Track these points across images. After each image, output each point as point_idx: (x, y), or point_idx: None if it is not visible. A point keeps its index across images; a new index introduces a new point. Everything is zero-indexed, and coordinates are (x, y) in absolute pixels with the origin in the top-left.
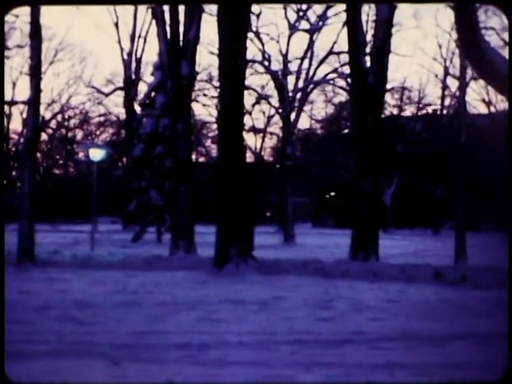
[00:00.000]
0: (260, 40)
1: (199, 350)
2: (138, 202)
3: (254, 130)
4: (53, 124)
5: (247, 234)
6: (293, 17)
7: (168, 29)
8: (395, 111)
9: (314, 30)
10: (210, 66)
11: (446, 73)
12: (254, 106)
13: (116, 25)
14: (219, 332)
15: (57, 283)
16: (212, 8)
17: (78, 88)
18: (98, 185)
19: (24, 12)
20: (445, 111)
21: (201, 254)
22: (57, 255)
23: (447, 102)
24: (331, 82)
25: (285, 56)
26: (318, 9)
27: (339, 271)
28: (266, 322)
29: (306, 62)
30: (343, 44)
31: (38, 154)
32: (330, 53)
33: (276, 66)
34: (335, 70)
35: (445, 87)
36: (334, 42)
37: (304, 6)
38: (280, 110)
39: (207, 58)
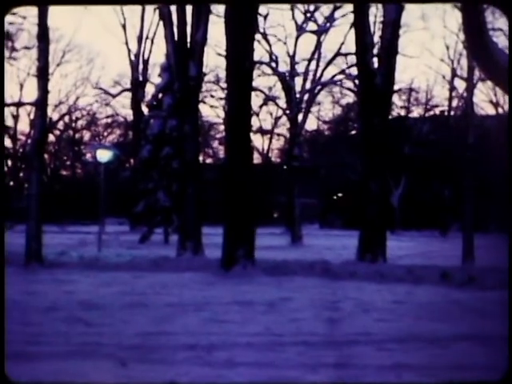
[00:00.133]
0: (267, 41)
1: (207, 351)
2: (145, 203)
3: (262, 131)
4: (60, 125)
5: (253, 236)
6: (300, 18)
7: (175, 30)
8: (403, 112)
9: (321, 32)
10: (218, 67)
11: (454, 74)
12: (261, 107)
13: (123, 26)
14: (226, 333)
15: (64, 284)
16: (219, 9)
17: (85, 89)
18: (106, 186)
19: (31, 13)
20: (452, 112)
21: (208, 256)
22: (64, 256)
23: (455, 103)
24: (338, 83)
25: (292, 57)
26: (326, 10)
27: (346, 272)
28: (273, 323)
29: (313, 64)
30: (351, 45)
31: (46, 156)
32: (338, 54)
33: (283, 67)
34: (343, 72)
35: (452, 88)
36: (342, 44)
37: (311, 8)
38: (287, 112)
39: (214, 59)
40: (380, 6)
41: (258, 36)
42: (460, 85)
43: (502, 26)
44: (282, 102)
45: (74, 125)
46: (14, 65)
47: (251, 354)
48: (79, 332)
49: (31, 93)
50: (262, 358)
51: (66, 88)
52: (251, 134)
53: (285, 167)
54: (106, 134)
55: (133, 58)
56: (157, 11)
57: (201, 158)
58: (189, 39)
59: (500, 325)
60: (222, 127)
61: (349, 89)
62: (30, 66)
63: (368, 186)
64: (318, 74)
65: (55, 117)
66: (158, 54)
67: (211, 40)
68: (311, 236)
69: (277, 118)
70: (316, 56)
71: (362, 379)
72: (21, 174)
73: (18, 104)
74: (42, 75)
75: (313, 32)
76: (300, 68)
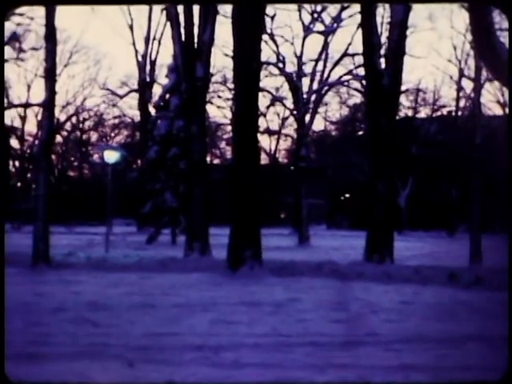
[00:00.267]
0: (274, 42)
1: (214, 351)
2: (152, 203)
3: (269, 131)
4: (68, 126)
5: (260, 236)
6: (307, 19)
7: (182, 31)
8: (410, 113)
9: (328, 32)
10: (225, 67)
11: (461, 74)
12: (268, 107)
13: (131, 27)
14: (234, 334)
15: (71, 285)
16: (227, 10)
17: (92, 90)
18: (113, 187)
19: (39, 14)
20: (460, 113)
21: (215, 256)
22: (71, 257)
23: (462, 103)
24: (346, 83)
25: (299, 58)
26: (333, 11)
27: (354, 273)
28: (280, 324)
29: (320, 64)
30: (358, 46)
31: (53, 156)
32: (345, 55)
33: (290, 67)
34: (350, 72)
35: (460, 89)
36: (349, 44)
37: (318, 8)
38: (294, 112)
39: (222, 59)
40: (387, 6)
41: (265, 37)
42: (467, 85)
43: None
44: (289, 103)
45: (81, 126)
46: (22, 66)
47: (258, 354)
48: (87, 333)
49: (39, 94)
50: (270, 358)
51: (74, 89)
52: (258, 135)
53: (292, 168)
54: (113, 134)
55: (140, 58)
56: (164, 12)
57: (208, 159)
58: (196, 40)
59: (508, 325)
60: (229, 128)
61: (356, 89)
62: (37, 67)
63: (375, 186)
64: (326, 75)
65: (63, 118)
66: (165, 54)
67: (218, 41)
68: (318, 236)
69: (284, 119)
70: (323, 56)
71: (369, 380)
72: (28, 175)
73: (26, 105)
74: (50, 76)
75: (320, 32)
76: (307, 68)
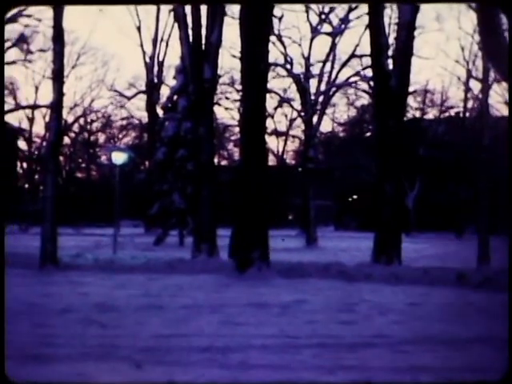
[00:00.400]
0: (282, 43)
1: (222, 352)
2: (160, 205)
3: (277, 133)
4: (75, 127)
5: (266, 238)
6: (315, 20)
7: (190, 32)
8: (418, 114)
9: (336, 33)
10: (232, 69)
11: (469, 75)
12: (276, 109)
13: (138, 28)
14: (242, 335)
15: (79, 286)
16: (234, 11)
17: (100, 91)
18: (121, 188)
19: (47, 16)
20: (467, 114)
21: (223, 258)
22: (79, 258)
23: (470, 104)
24: (353, 84)
25: (307, 59)
26: (340, 12)
27: (362, 274)
28: (288, 326)
29: (328, 65)
30: (365, 47)
31: (61, 158)
32: (353, 56)
33: (298, 69)
34: (357, 73)
35: (467, 90)
36: (357, 45)
37: (326, 9)
38: (302, 113)
39: (229, 61)
40: (395, 7)
41: (272, 38)
42: (475, 86)
43: None
44: (297, 104)
45: (89, 127)
46: (30, 67)
47: (266, 356)
48: (94, 334)
49: (46, 95)
50: (277, 360)
51: (81, 90)
52: (266, 136)
53: (300, 169)
54: (120, 136)
55: (148, 60)
56: (172, 13)
57: (216, 160)
58: (204, 41)
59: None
60: (236, 129)
61: (364, 90)
62: (45, 69)
63: (383, 187)
64: (333, 76)
65: (70, 119)
66: (172, 56)
67: (226, 42)
68: (326, 238)
69: (292, 120)
70: (331, 58)
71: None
72: (36, 177)
73: (34, 106)
74: (58, 78)
75: (327, 34)
76: (315, 70)
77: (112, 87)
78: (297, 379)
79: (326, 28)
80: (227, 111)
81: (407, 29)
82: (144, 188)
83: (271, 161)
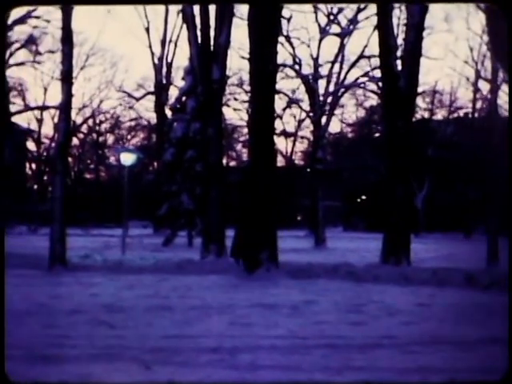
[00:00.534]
0: (291, 44)
1: (230, 353)
2: (168, 206)
3: (285, 133)
4: (84, 128)
5: (275, 239)
6: (323, 21)
7: (199, 33)
8: (426, 115)
9: (344, 34)
10: (241, 70)
11: (478, 76)
12: (284, 109)
13: (147, 29)
14: (250, 336)
15: (88, 287)
16: (243, 12)
17: (109, 93)
18: (129, 189)
19: (56, 17)
20: (476, 114)
21: (232, 258)
22: (88, 259)
23: (479, 105)
24: (362, 85)
25: (315, 60)
26: (349, 13)
27: (370, 275)
28: (297, 326)
29: (336, 66)
30: (374, 48)
31: (70, 159)
32: (361, 56)
33: (307, 70)
34: (366, 74)
35: (476, 90)
36: (365, 46)
37: (335, 10)
38: (311, 114)
39: (238, 62)
40: (403, 7)
41: (281, 39)
42: (484, 86)
43: None
44: (306, 105)
45: (97, 128)
46: (38, 68)
47: (275, 356)
48: (103, 335)
49: (55, 96)
50: (286, 360)
51: (90, 91)
52: (275, 137)
53: (308, 170)
54: (129, 137)
55: (156, 61)
56: (180, 14)
57: (224, 161)
58: (212, 42)
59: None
60: (245, 130)
61: (372, 91)
62: (54, 70)
63: (392, 188)
64: (342, 77)
65: (79, 120)
66: (181, 57)
67: (235, 43)
68: (335, 239)
69: (300, 121)
70: (339, 58)
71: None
72: (45, 177)
73: (42, 107)
74: (66, 79)
75: (336, 34)
76: (323, 71)
77: (121, 88)
78: (306, 380)
79: (335, 29)
80: (236, 112)
81: (416, 29)
82: (152, 189)
83: (280, 161)
